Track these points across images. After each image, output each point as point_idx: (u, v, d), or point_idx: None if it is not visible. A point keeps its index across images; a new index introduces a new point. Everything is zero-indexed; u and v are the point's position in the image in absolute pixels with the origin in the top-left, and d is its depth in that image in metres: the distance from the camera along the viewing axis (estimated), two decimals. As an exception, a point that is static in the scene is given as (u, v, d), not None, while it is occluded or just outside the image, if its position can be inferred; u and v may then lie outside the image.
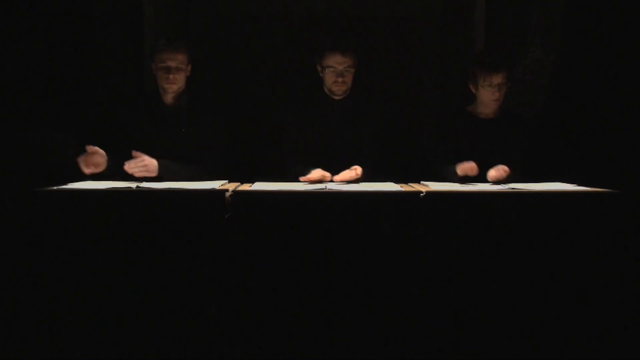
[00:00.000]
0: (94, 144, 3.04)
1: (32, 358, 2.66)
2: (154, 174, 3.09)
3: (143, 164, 3.07)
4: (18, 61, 3.60)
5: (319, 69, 3.43)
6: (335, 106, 3.45)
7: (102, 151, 3.03)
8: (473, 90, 3.37)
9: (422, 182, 3.15)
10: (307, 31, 3.99)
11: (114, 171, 3.08)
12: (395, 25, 4.07)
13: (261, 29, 4.07)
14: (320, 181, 3.07)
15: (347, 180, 3.12)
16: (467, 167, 3.12)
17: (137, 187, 2.83)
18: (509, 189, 2.91)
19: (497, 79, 3.28)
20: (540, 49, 3.94)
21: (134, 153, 3.08)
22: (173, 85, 3.28)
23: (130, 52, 3.91)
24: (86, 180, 3.03)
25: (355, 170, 3.14)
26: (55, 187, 2.80)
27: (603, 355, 2.69)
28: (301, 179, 3.07)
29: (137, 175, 3.05)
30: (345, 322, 2.68)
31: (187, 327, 2.67)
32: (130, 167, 3.03)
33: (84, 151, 3.01)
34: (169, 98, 3.33)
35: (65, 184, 2.90)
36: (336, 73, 3.37)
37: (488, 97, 3.32)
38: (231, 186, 2.89)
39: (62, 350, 2.67)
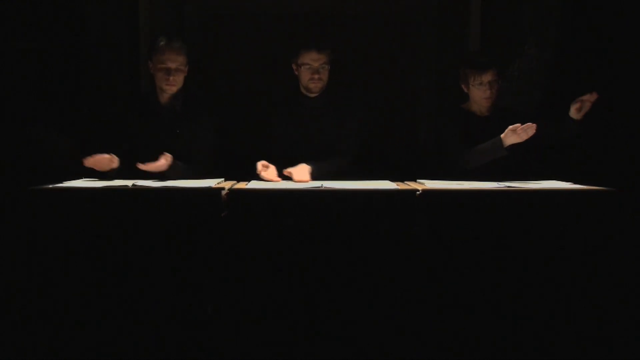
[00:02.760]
0: (89, 142, 3.05)
1: (29, 357, 2.65)
2: (160, 170, 3.08)
3: (157, 164, 3.04)
4: (13, 60, 3.59)
5: (294, 67, 3.45)
6: (312, 103, 3.46)
7: (117, 162, 3.05)
8: (465, 90, 3.40)
9: (418, 180, 3.15)
10: (303, 29, 3.99)
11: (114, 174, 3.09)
12: (392, 23, 4.07)
13: (258, 27, 4.06)
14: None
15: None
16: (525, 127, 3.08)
17: (133, 185, 2.82)
18: (505, 187, 2.91)
19: (487, 77, 3.30)
20: (535, 47, 3.95)
21: (165, 156, 3.06)
22: (173, 87, 3.28)
23: (126, 50, 3.90)
24: (82, 178, 3.02)
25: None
26: (50, 186, 2.79)
27: (602, 355, 2.69)
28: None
29: (144, 169, 3.02)
30: (342, 320, 2.68)
31: (183, 325, 2.67)
32: (145, 166, 3.01)
33: (80, 151, 3.02)
34: (164, 98, 3.32)
35: (60, 182, 2.89)
36: (312, 70, 3.38)
37: (480, 95, 3.34)
38: (227, 184, 2.89)
39: (58, 348, 2.66)
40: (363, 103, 3.66)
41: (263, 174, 3.09)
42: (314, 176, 3.12)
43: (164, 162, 3.06)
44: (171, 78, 3.24)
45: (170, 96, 3.32)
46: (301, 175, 3.08)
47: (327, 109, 3.46)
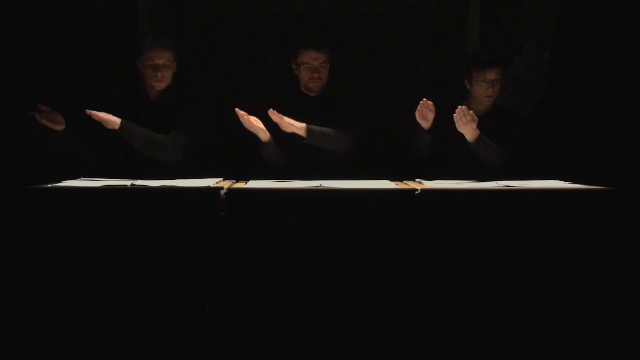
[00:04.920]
0: (87, 142, 3.08)
1: (29, 357, 2.65)
2: (112, 127, 3.12)
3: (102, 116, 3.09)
4: (13, 60, 3.59)
5: (294, 67, 3.46)
6: (312, 102, 3.46)
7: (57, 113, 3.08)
8: (467, 86, 3.39)
9: (417, 179, 3.15)
10: (303, 28, 3.99)
11: (76, 146, 3.15)
12: (392, 23, 4.07)
13: (258, 27, 4.06)
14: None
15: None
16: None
17: (132, 184, 2.82)
18: (505, 186, 2.91)
19: (491, 74, 3.30)
20: (534, 46, 3.94)
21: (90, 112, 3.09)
22: (161, 83, 3.32)
23: (125, 50, 3.90)
24: (80, 178, 3.03)
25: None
26: (49, 185, 2.79)
27: (602, 355, 2.69)
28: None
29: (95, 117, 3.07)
30: (342, 319, 2.68)
31: (181, 325, 2.67)
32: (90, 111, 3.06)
33: (79, 148, 3.04)
34: (154, 95, 3.35)
35: (59, 181, 2.90)
36: (311, 69, 3.39)
37: (482, 93, 3.34)
38: (226, 184, 2.89)
39: (58, 348, 2.66)
40: (363, 102, 3.66)
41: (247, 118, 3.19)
42: (309, 135, 3.24)
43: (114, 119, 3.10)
44: (159, 74, 3.29)
45: (159, 92, 3.35)
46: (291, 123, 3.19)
47: (328, 107, 3.46)
